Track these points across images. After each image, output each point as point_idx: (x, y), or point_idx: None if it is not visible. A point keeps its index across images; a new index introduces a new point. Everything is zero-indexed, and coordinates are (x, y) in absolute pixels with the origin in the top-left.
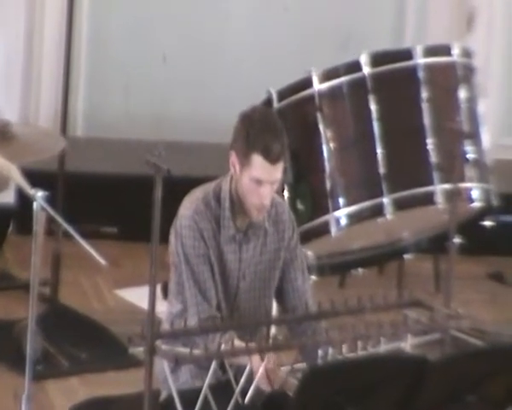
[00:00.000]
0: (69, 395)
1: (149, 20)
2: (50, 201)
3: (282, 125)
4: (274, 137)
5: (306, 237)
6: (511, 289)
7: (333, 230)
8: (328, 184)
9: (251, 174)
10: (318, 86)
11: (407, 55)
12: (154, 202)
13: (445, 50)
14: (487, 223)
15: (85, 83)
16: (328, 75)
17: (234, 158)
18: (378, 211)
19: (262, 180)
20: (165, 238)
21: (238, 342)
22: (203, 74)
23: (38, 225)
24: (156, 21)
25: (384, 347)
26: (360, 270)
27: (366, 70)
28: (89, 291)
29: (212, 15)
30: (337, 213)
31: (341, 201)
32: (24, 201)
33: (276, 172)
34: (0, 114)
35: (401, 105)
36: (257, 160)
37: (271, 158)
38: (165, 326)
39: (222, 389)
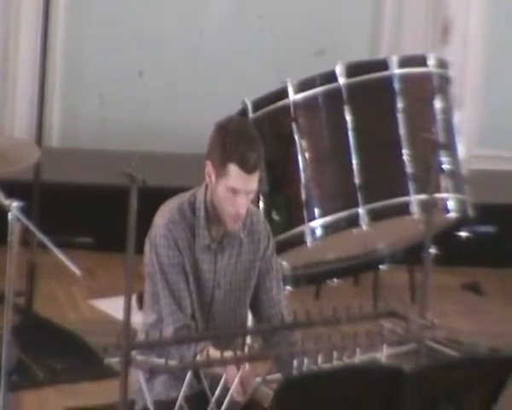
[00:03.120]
0: (44, 405)
1: (125, 31)
2: (25, 211)
3: (257, 135)
4: (250, 146)
5: (282, 248)
6: (486, 299)
7: (308, 240)
8: (303, 195)
9: (227, 184)
10: (293, 97)
11: (382, 65)
12: (130, 213)
13: (420, 61)
14: (463, 233)
15: (60, 93)
16: (303, 86)
17: (209, 168)
18: (353, 221)
19: (238, 190)
20: (140, 249)
21: (213, 352)
22: (178, 85)
23: (13, 235)
24: (131, 33)
25: (359, 357)
26: (335, 281)
27: (341, 81)
28: (64, 302)
29: (186, 25)
30: (312, 224)
31: (317, 211)
32: None
33: (252, 181)
34: None
35: (376, 116)
36: (233, 169)
37: (248, 168)
38: (141, 337)
39: (197, 400)
